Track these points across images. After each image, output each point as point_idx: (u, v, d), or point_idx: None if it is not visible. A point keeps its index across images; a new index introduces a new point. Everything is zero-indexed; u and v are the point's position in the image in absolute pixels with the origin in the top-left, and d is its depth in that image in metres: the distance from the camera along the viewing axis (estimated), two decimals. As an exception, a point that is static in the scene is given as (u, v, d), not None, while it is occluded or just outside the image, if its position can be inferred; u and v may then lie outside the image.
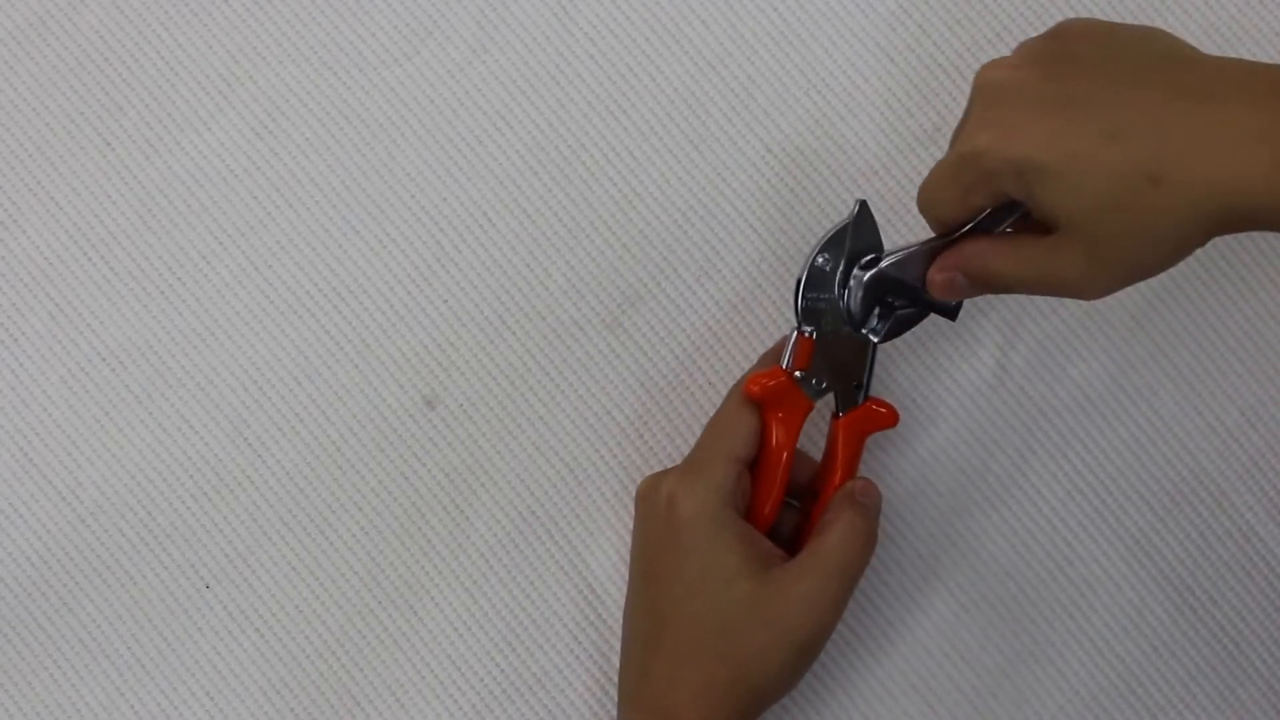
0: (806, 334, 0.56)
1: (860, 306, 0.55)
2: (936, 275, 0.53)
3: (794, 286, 0.56)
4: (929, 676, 0.62)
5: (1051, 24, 0.62)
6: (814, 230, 0.63)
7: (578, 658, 0.62)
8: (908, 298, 0.55)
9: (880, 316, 0.56)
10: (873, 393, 0.57)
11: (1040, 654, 0.62)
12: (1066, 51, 0.49)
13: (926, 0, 0.63)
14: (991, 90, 0.49)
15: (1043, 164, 0.46)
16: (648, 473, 0.60)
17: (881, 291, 0.55)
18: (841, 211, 0.63)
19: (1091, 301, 0.53)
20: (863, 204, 0.56)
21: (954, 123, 0.62)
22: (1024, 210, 0.50)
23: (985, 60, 0.63)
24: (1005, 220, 0.51)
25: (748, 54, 0.63)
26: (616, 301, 0.63)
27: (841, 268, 0.56)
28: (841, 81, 0.63)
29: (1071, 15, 0.63)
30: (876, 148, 0.63)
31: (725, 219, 0.63)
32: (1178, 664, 0.62)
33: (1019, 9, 0.63)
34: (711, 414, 0.62)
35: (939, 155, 0.63)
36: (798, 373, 0.56)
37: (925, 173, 0.63)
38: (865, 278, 0.55)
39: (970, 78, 0.63)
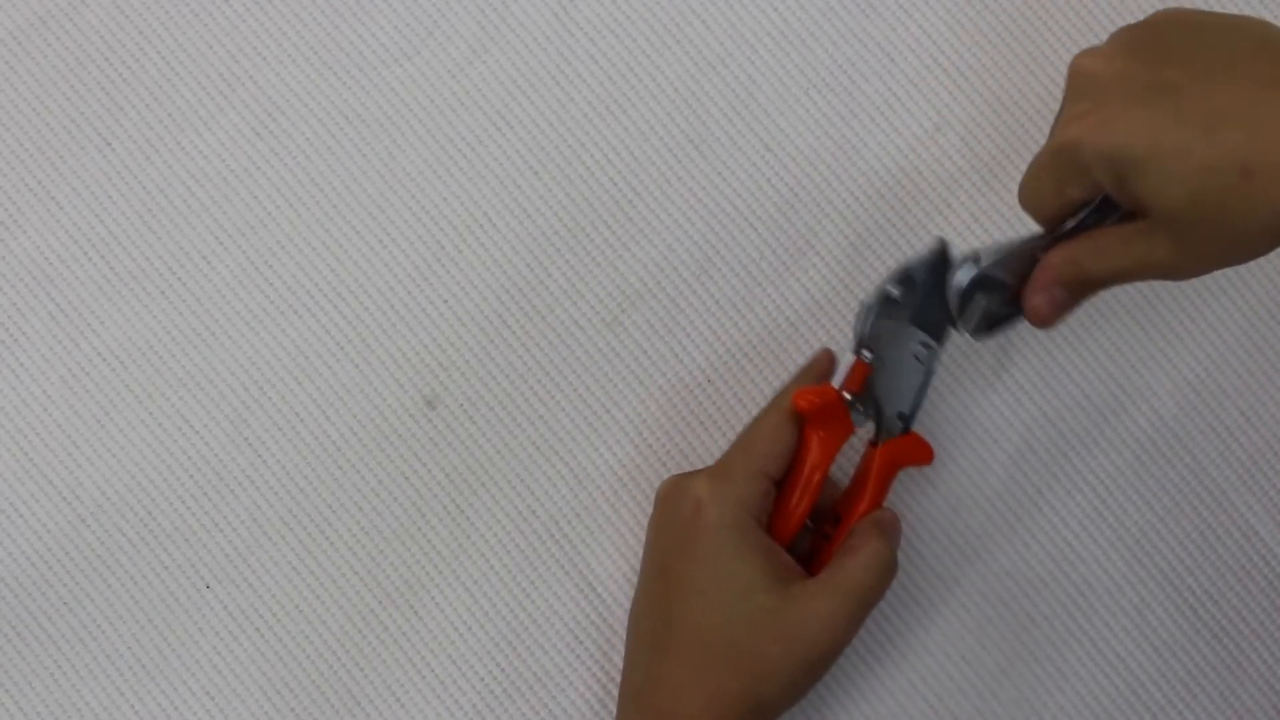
0: (865, 359, 0.55)
1: (959, 306, 0.54)
2: (1036, 299, 0.52)
3: (858, 310, 0.55)
4: (929, 676, 0.62)
5: (1055, 25, 0.62)
6: (814, 229, 0.63)
7: (578, 657, 0.62)
8: (1005, 296, 0.54)
9: (978, 316, 0.55)
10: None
11: (1040, 654, 0.62)
12: (1159, 41, 0.49)
13: (927, 0, 0.63)
14: (1085, 80, 0.49)
15: (1135, 155, 0.46)
16: (648, 471, 0.60)
17: (980, 291, 0.54)
18: (841, 211, 0.63)
19: (1182, 280, 0.52)
20: (942, 242, 0.55)
21: (955, 123, 0.63)
22: (1122, 210, 0.50)
23: (984, 59, 0.64)
24: (1109, 217, 0.51)
25: (748, 54, 0.63)
26: (616, 301, 0.63)
27: (917, 301, 0.55)
28: (841, 81, 0.63)
29: (1074, 15, 0.63)
30: (876, 148, 0.63)
31: (725, 218, 0.63)
32: (1178, 664, 0.62)
33: (1019, 8, 0.63)
34: (712, 413, 0.62)
35: (939, 155, 0.63)
36: (847, 395, 0.56)
37: (926, 172, 0.63)
38: (966, 280, 0.54)
39: (971, 78, 0.63)
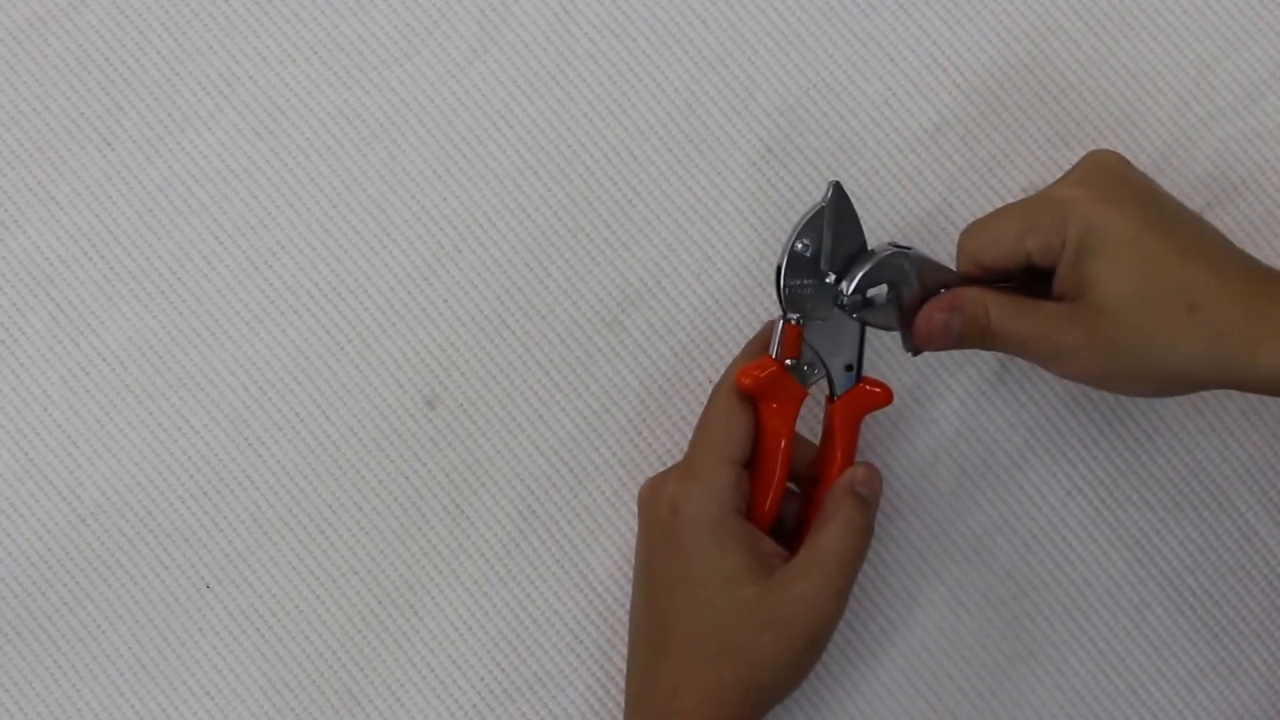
0: (793, 321, 0.55)
1: (864, 277, 0.55)
2: (936, 314, 0.54)
3: (774, 274, 0.55)
4: (929, 676, 0.62)
5: (1055, 25, 0.63)
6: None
7: (578, 657, 0.62)
8: (898, 299, 0.55)
9: (866, 294, 0.55)
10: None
11: (1040, 654, 0.62)
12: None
13: (927, 0, 0.63)
14: (1099, 168, 0.54)
15: (1112, 236, 0.50)
16: (648, 471, 0.60)
17: (889, 273, 0.55)
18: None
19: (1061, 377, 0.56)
20: (837, 185, 0.55)
21: (954, 123, 0.63)
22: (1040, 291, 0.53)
23: (985, 60, 0.64)
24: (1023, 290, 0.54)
25: (748, 54, 0.63)
26: (616, 301, 0.63)
27: (828, 249, 0.55)
28: (841, 81, 0.63)
29: (1074, 15, 0.63)
30: (877, 147, 0.63)
31: (725, 218, 0.63)
32: (1178, 664, 0.62)
33: (1019, 8, 0.63)
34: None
35: (939, 155, 0.63)
36: (788, 361, 0.55)
37: (925, 173, 0.63)
38: (893, 250, 0.55)
39: (970, 78, 0.63)
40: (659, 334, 0.63)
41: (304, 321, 0.62)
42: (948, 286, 0.55)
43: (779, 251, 0.55)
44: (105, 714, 0.61)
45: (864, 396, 0.57)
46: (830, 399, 0.57)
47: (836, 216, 0.55)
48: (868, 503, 0.56)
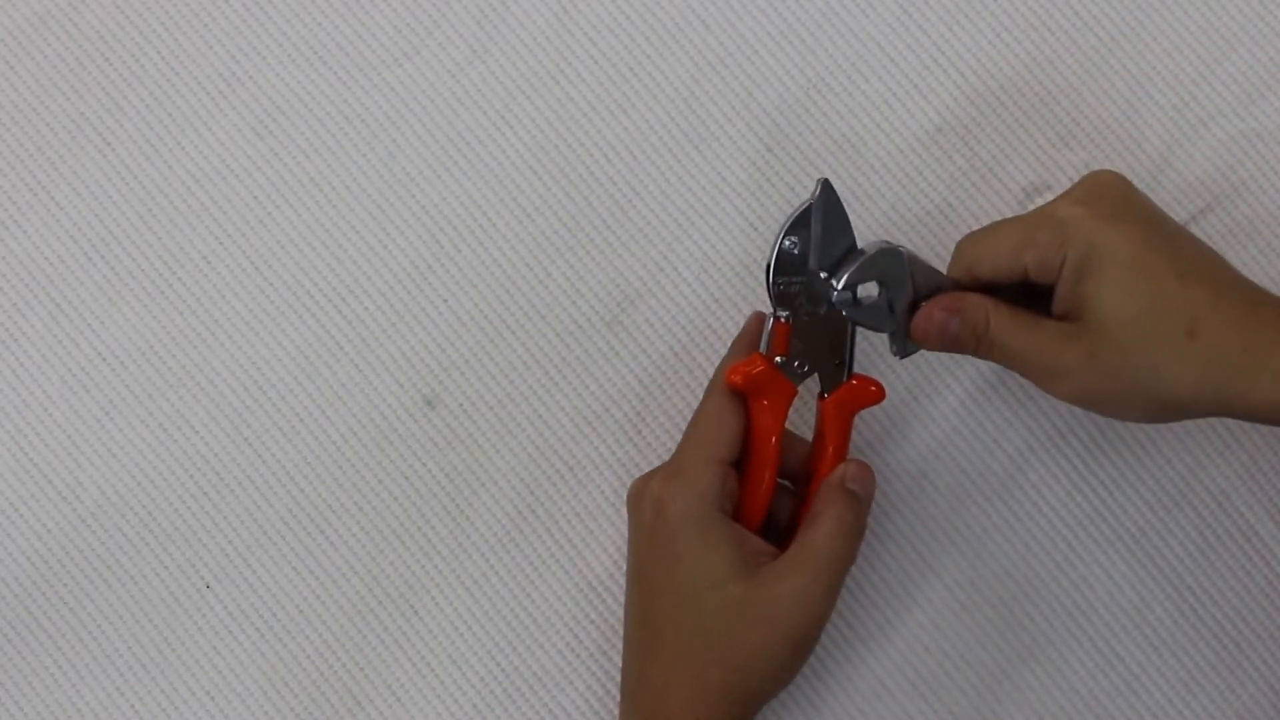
0: (782, 319, 0.55)
1: (854, 273, 0.54)
2: (936, 312, 0.54)
3: (764, 270, 0.55)
4: (928, 675, 0.62)
5: (1055, 25, 0.62)
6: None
7: (578, 656, 0.62)
8: (889, 300, 0.55)
9: (856, 292, 0.55)
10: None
11: (1040, 654, 0.62)
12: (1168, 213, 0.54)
13: (926, 0, 0.63)
14: (1100, 187, 0.53)
15: (1112, 256, 0.50)
16: (648, 471, 0.60)
17: (880, 271, 0.55)
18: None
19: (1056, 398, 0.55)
20: (825, 182, 0.55)
21: (954, 123, 0.63)
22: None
23: (985, 60, 0.64)
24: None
25: (748, 54, 0.63)
26: (616, 300, 0.63)
27: (817, 246, 0.55)
28: (841, 81, 0.63)
29: (1074, 15, 0.63)
30: (877, 147, 0.63)
31: (725, 218, 0.63)
32: (1178, 664, 0.62)
33: (1018, 8, 0.63)
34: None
35: (939, 155, 0.63)
36: (778, 358, 0.55)
37: (925, 173, 0.63)
38: (885, 247, 0.54)
39: (970, 78, 0.63)
40: (659, 334, 0.63)
41: (304, 321, 0.62)
42: (941, 291, 0.55)
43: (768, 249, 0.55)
44: (105, 714, 0.61)
45: (855, 393, 0.57)
46: (821, 396, 0.57)
47: (825, 213, 0.55)
48: (859, 499, 0.55)
